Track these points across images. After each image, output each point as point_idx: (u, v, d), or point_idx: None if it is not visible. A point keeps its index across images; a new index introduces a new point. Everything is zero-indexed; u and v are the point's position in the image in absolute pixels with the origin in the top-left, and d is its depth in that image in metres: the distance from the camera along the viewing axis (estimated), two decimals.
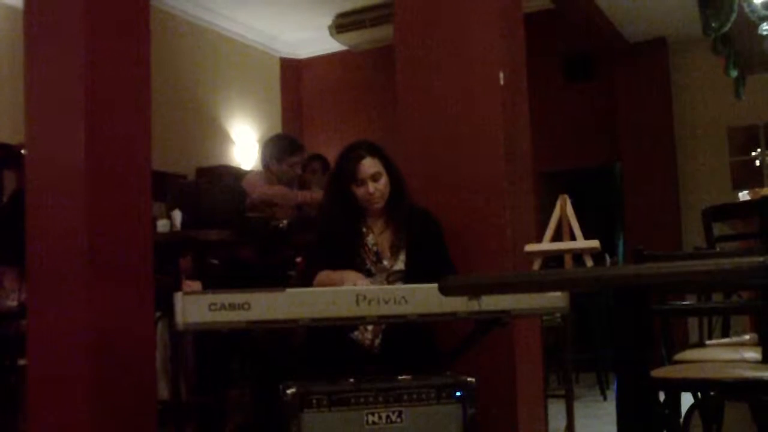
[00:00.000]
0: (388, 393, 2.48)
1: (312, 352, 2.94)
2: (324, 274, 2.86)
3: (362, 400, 2.46)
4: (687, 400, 2.57)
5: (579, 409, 4.13)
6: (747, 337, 2.94)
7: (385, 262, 2.96)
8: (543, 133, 5.08)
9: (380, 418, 2.46)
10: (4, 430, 3.75)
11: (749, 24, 5.30)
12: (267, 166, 4.47)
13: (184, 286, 3.53)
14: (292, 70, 8.86)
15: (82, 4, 3.01)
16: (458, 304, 2.47)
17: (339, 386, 2.47)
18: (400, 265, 2.97)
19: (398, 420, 2.47)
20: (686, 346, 3.11)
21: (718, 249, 3.41)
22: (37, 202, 3.06)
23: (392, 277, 2.94)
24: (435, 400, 2.50)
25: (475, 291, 2.09)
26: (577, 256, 3.46)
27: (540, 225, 3.61)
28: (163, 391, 3.87)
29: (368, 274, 2.92)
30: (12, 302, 3.94)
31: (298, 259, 4.01)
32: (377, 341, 2.86)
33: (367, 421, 2.45)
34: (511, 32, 3.48)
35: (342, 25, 7.83)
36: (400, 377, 2.54)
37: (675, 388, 2.33)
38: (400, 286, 2.69)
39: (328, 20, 7.84)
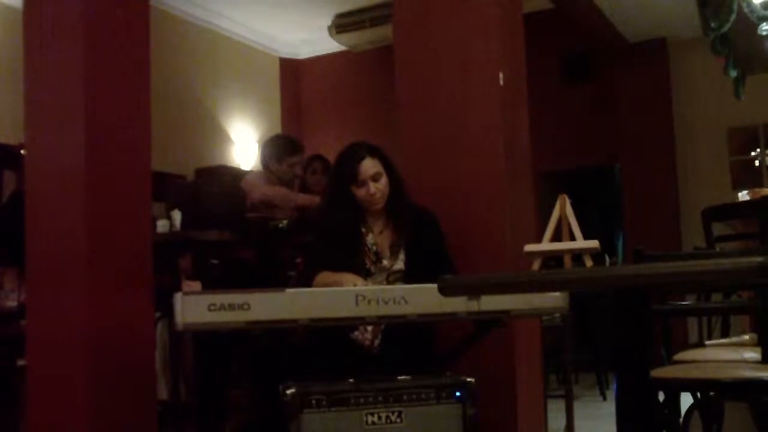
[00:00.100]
0: (387, 393, 2.48)
1: (312, 352, 2.94)
2: (323, 275, 2.86)
3: (362, 400, 2.46)
4: (687, 400, 2.57)
5: (579, 409, 4.12)
6: (746, 337, 2.94)
7: (385, 262, 2.96)
8: (542, 133, 5.07)
9: (380, 418, 2.46)
10: (4, 430, 3.75)
11: (749, 24, 5.30)
12: (266, 167, 4.48)
13: (184, 287, 3.53)
14: (292, 71, 8.86)
15: (82, 4, 3.01)
16: (458, 304, 2.47)
17: (339, 386, 2.47)
18: (399, 265, 2.97)
19: (398, 420, 2.47)
20: (686, 346, 3.11)
21: (717, 249, 3.41)
22: (36, 203, 3.05)
23: (392, 277, 2.95)
24: (435, 400, 2.50)
25: (474, 291, 2.09)
26: (577, 256, 3.46)
27: (539, 225, 3.60)
28: (163, 392, 3.87)
29: (368, 273, 2.92)
30: (11, 302, 3.94)
31: (299, 260, 4.01)
32: (377, 341, 2.86)
33: (367, 422, 2.45)
34: (511, 32, 3.48)
35: (341, 25, 7.82)
36: (399, 377, 2.54)
37: (675, 388, 2.33)
38: (400, 286, 2.69)
39: (328, 20, 7.84)
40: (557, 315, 3.62)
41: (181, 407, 3.87)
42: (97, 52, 3.03)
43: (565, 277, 1.44)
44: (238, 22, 8.03)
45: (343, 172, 3.00)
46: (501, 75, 3.31)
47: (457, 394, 2.51)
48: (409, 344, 2.81)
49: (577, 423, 3.54)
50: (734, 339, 2.99)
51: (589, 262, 3.42)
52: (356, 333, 2.87)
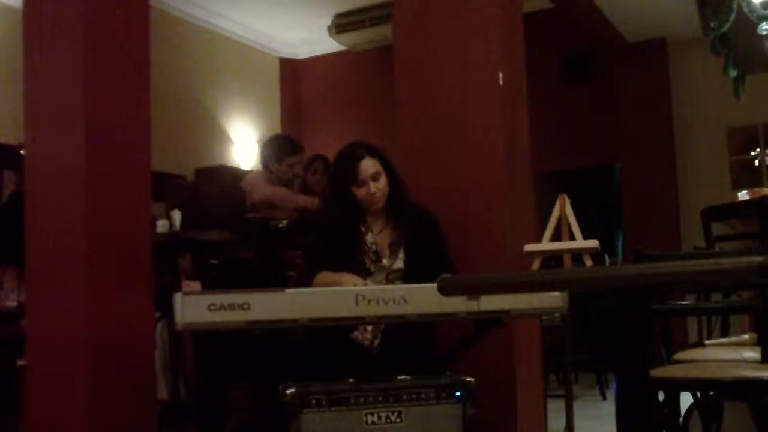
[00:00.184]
0: (387, 393, 2.48)
1: (312, 352, 2.94)
2: (323, 275, 2.86)
3: (362, 400, 2.46)
4: (686, 399, 2.58)
5: (578, 409, 4.12)
6: (746, 336, 2.94)
7: (385, 261, 2.97)
8: (542, 133, 5.07)
9: (380, 418, 2.46)
10: (4, 431, 3.75)
11: (748, 24, 5.30)
12: (266, 166, 4.48)
13: (184, 287, 3.53)
14: (292, 70, 8.86)
15: (82, 4, 3.01)
16: (457, 304, 2.47)
17: (338, 386, 2.47)
18: (399, 264, 2.97)
19: (398, 420, 2.47)
20: (685, 345, 3.11)
21: (717, 249, 3.41)
22: (36, 203, 3.05)
23: (391, 276, 2.95)
24: (434, 400, 2.50)
25: (474, 291, 2.09)
26: (577, 256, 3.46)
27: (539, 225, 3.61)
28: (163, 392, 3.88)
29: (367, 273, 2.92)
30: (11, 302, 3.94)
31: (299, 260, 4.01)
32: (377, 341, 2.86)
33: (367, 421, 2.45)
34: (511, 32, 3.48)
35: (341, 25, 7.82)
36: (399, 377, 2.54)
37: (674, 387, 2.33)
38: (400, 286, 2.69)
39: (328, 20, 7.84)
40: (557, 315, 3.62)
41: (181, 407, 3.87)
42: (97, 52, 3.03)
43: (565, 277, 1.44)
44: (238, 22, 8.03)
45: (342, 172, 3.00)
46: (501, 75, 3.31)
47: (457, 394, 2.51)
48: (409, 344, 2.81)
49: (577, 423, 3.54)
50: (734, 339, 2.99)
51: (588, 262, 3.42)
52: (356, 333, 2.87)
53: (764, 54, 6.02)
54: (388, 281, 2.93)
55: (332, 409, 2.44)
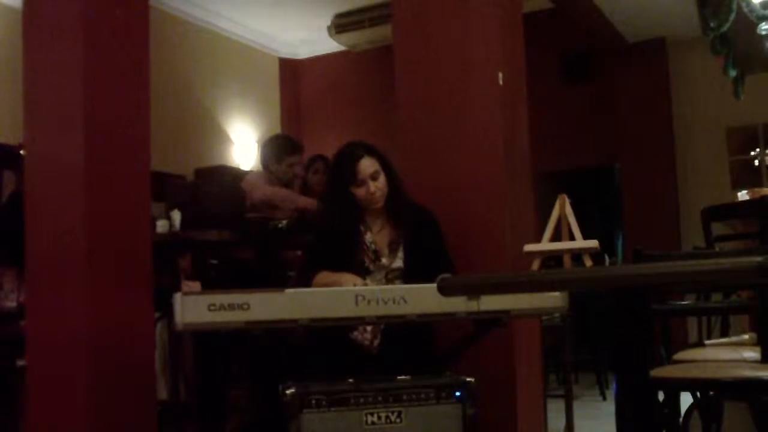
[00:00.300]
0: (387, 393, 2.48)
1: (311, 352, 2.94)
2: (322, 275, 2.86)
3: (362, 400, 2.46)
4: (686, 399, 2.58)
5: (578, 409, 4.12)
6: (746, 336, 2.94)
7: (384, 260, 2.97)
8: (542, 133, 5.07)
9: (380, 418, 2.46)
10: (4, 431, 3.75)
11: (748, 24, 5.30)
12: (266, 167, 4.48)
13: (184, 287, 3.53)
14: (291, 71, 8.86)
15: (82, 4, 3.01)
16: (457, 304, 2.47)
17: (338, 386, 2.47)
18: (398, 263, 2.97)
19: (398, 420, 2.47)
20: (685, 345, 3.11)
21: (717, 249, 3.41)
22: (36, 203, 3.05)
23: (391, 275, 2.95)
24: (434, 400, 2.50)
25: (474, 291, 2.09)
26: (576, 256, 3.46)
27: (539, 225, 3.61)
28: (163, 392, 3.87)
29: (367, 272, 2.93)
30: (11, 303, 3.94)
31: (299, 252, 4.00)
32: (376, 342, 2.86)
33: (367, 422, 2.45)
34: (510, 32, 3.48)
35: (341, 25, 7.82)
36: (399, 377, 2.54)
37: (674, 387, 2.33)
38: (399, 286, 2.69)
39: (327, 20, 7.84)
40: (557, 315, 3.62)
41: (181, 407, 3.87)
42: (96, 52, 3.03)
43: (565, 277, 1.44)
44: (238, 22, 8.03)
45: (341, 172, 3.00)
46: (500, 75, 3.31)
47: (457, 394, 2.51)
48: (409, 344, 2.81)
49: (577, 423, 3.54)
50: (734, 339, 2.99)
51: (588, 262, 3.42)
52: (356, 333, 2.87)
53: (764, 54, 6.02)
54: (388, 280, 2.93)
55: (332, 409, 2.44)
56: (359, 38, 7.89)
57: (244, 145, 8.09)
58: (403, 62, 3.53)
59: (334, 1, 7.58)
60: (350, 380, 2.51)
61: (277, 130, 8.23)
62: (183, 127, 7.28)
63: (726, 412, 2.85)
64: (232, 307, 2.32)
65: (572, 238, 3.33)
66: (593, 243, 3.30)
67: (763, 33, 5.34)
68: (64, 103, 3.02)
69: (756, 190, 4.52)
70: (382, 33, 7.30)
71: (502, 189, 3.28)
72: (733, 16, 5.05)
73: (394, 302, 2.46)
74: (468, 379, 2.54)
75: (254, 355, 3.83)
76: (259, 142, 7.76)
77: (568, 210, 3.35)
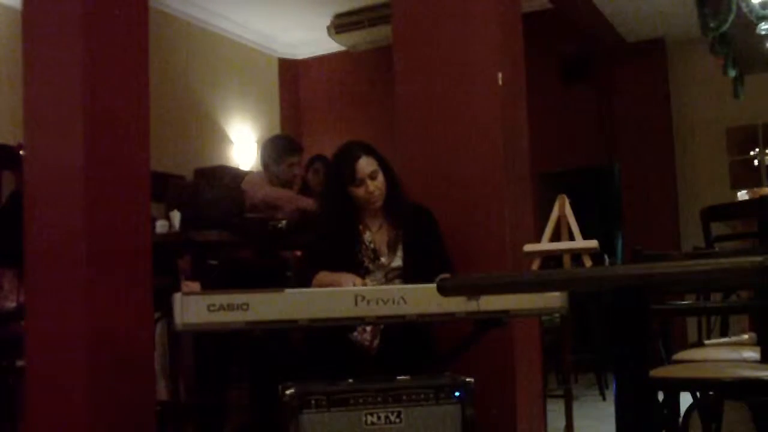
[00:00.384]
0: (387, 393, 2.48)
1: (311, 352, 2.94)
2: (322, 275, 2.87)
3: (361, 400, 2.46)
4: (686, 399, 2.57)
5: (578, 409, 4.12)
6: (746, 336, 2.94)
7: (383, 259, 2.97)
8: (541, 134, 5.07)
9: (379, 418, 2.46)
10: (4, 431, 3.75)
11: (748, 24, 5.30)
12: (266, 167, 4.47)
13: (183, 287, 3.52)
14: (291, 71, 8.86)
15: (82, 4, 3.01)
16: (457, 304, 2.47)
17: (338, 387, 2.47)
18: (398, 262, 2.98)
19: (397, 420, 2.47)
20: (685, 345, 3.11)
21: (716, 249, 3.41)
22: (35, 203, 3.05)
23: (390, 274, 2.96)
24: (434, 400, 2.50)
25: (473, 291, 2.09)
26: (576, 256, 3.46)
27: (538, 225, 3.61)
28: (162, 392, 3.87)
29: (366, 271, 2.93)
30: (10, 303, 3.93)
31: (299, 252, 4.00)
32: (376, 342, 2.86)
33: (366, 422, 2.45)
34: (510, 33, 3.48)
35: (340, 25, 7.82)
36: (398, 378, 2.54)
37: (674, 387, 2.33)
38: (399, 287, 2.69)
39: (327, 21, 7.84)
40: (556, 315, 3.62)
41: (181, 407, 3.87)
42: (96, 52, 3.03)
43: (565, 277, 1.44)
44: (237, 23, 8.03)
45: (340, 172, 3.00)
46: (500, 75, 3.31)
47: (457, 394, 2.51)
48: (408, 344, 2.81)
49: (577, 423, 3.54)
50: (733, 339, 2.99)
51: (588, 262, 3.42)
52: (355, 333, 2.87)
53: (763, 54, 6.02)
54: (387, 280, 2.94)
55: (331, 409, 2.44)
56: (359, 38, 7.89)
57: (243, 145, 8.09)
58: (403, 62, 3.53)
59: (334, 2, 7.58)
60: (350, 380, 2.51)
61: (277, 130, 8.23)
62: (183, 127, 7.28)
63: (726, 412, 2.85)
64: (231, 307, 2.32)
65: (572, 238, 3.33)
66: (593, 243, 3.30)
67: (763, 33, 5.34)
68: (64, 103, 3.02)
69: (755, 190, 4.53)
70: (382, 33, 7.30)
71: (502, 189, 3.28)
72: (732, 16, 5.05)
73: (393, 302, 2.46)
74: (467, 379, 2.54)
75: (254, 356, 3.83)
76: (259, 143, 7.76)
77: (568, 210, 3.35)
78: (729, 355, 2.57)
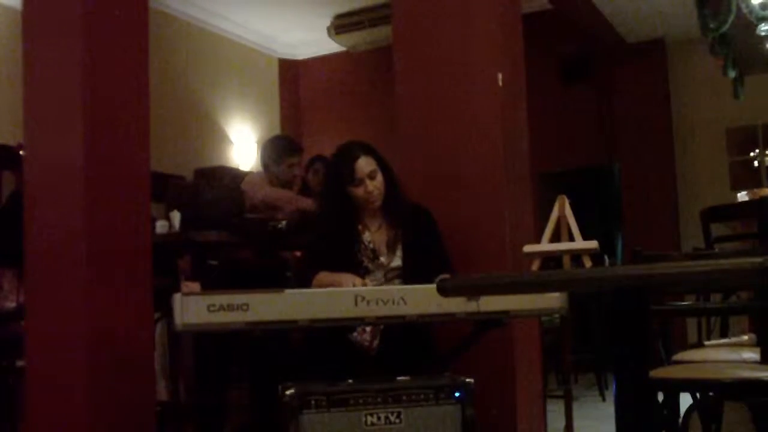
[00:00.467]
0: (386, 394, 2.48)
1: (311, 353, 2.94)
2: (322, 275, 2.87)
3: (361, 401, 2.46)
4: (686, 400, 2.57)
5: (578, 409, 4.12)
6: (745, 337, 2.94)
7: (382, 259, 2.98)
8: (541, 134, 5.07)
9: (379, 418, 2.46)
10: (4, 431, 3.75)
11: (747, 24, 5.30)
12: (266, 167, 4.48)
13: (183, 287, 3.52)
14: (291, 71, 8.86)
15: (81, 4, 3.01)
16: (457, 304, 2.47)
17: (338, 387, 2.47)
18: (397, 262, 2.98)
19: (397, 421, 2.47)
20: (685, 346, 3.11)
21: (716, 249, 3.41)
22: (35, 203, 3.05)
23: (390, 274, 2.96)
24: (434, 400, 2.50)
25: (473, 292, 2.09)
26: (576, 256, 3.46)
27: (538, 225, 3.61)
28: (162, 392, 3.87)
29: (366, 271, 2.93)
30: (10, 303, 3.93)
31: (299, 253, 4.00)
32: (376, 342, 2.86)
33: (366, 422, 2.45)
34: (510, 33, 3.49)
35: (341, 26, 7.82)
36: (398, 378, 2.54)
37: (674, 388, 2.33)
38: (399, 287, 2.69)
39: (327, 21, 7.84)
40: (556, 315, 3.62)
41: (181, 407, 3.87)
42: (96, 52, 3.03)
43: (565, 278, 1.44)
44: (237, 23, 8.03)
45: (339, 172, 3.01)
46: (499, 76, 3.31)
47: (456, 394, 2.51)
48: (408, 345, 2.81)
49: (577, 423, 3.54)
50: (733, 339, 2.99)
51: (588, 263, 3.42)
52: (355, 334, 2.87)
53: (763, 54, 6.02)
54: (387, 279, 2.94)
55: (331, 410, 2.44)
56: (359, 39, 7.89)
57: (243, 145, 8.09)
58: (403, 62, 3.53)
59: (334, 2, 7.58)
60: (350, 381, 2.51)
61: (277, 130, 8.23)
62: (183, 128, 7.28)
63: (725, 413, 2.85)
64: (231, 307, 2.32)
65: (572, 238, 3.33)
66: (593, 244, 3.30)
67: (763, 34, 5.34)
68: (64, 103, 3.02)
69: (755, 190, 4.53)
70: (382, 33, 7.30)
71: (502, 189, 3.28)
72: (732, 16, 5.05)
73: (393, 303, 2.46)
74: (467, 380, 2.54)
75: (254, 356, 3.83)
76: (259, 143, 7.76)
77: (568, 211, 3.35)
78: (729, 356, 2.57)
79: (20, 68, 3.14)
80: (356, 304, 2.43)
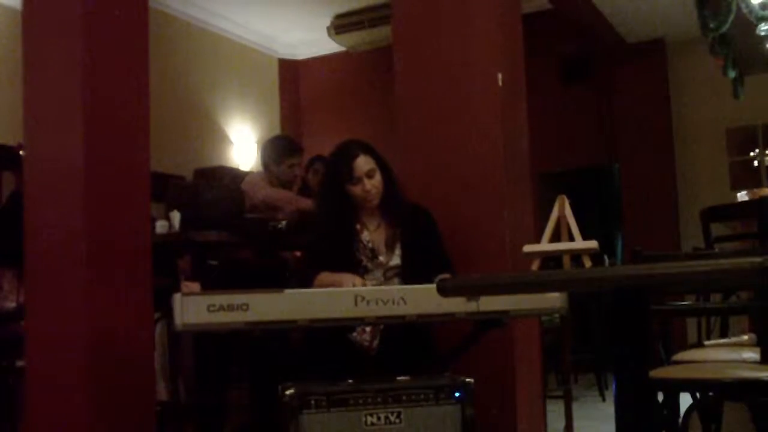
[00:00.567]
0: (386, 394, 2.48)
1: (310, 353, 2.94)
2: (323, 276, 2.87)
3: (361, 401, 2.46)
4: (686, 400, 2.58)
5: (578, 409, 4.12)
6: (745, 337, 2.94)
7: (381, 258, 2.98)
8: (541, 134, 5.07)
9: (379, 418, 2.46)
10: (4, 431, 3.75)
11: (747, 24, 5.30)
12: (266, 167, 4.48)
13: (183, 287, 3.52)
14: (291, 71, 8.86)
15: (81, 4, 3.01)
16: (457, 304, 2.47)
17: (338, 387, 2.47)
18: (396, 261, 2.98)
19: (397, 421, 2.47)
20: (685, 346, 3.11)
21: (716, 249, 3.41)
22: (35, 203, 3.05)
23: (389, 273, 2.96)
24: (434, 400, 2.50)
25: (473, 292, 2.09)
26: (576, 256, 3.46)
27: (538, 225, 3.61)
28: (162, 392, 3.87)
29: (365, 270, 2.94)
30: (10, 303, 3.93)
31: (299, 253, 4.00)
32: (375, 342, 2.86)
33: (366, 422, 2.45)
34: (510, 33, 3.49)
35: (340, 26, 7.82)
36: (398, 378, 2.54)
37: (674, 388, 2.33)
38: (399, 287, 2.69)
39: (327, 21, 7.84)
40: (556, 315, 3.62)
41: (181, 408, 3.87)
42: (96, 52, 3.03)
43: (565, 278, 1.44)
44: (237, 23, 8.03)
45: (338, 171, 3.01)
46: (499, 76, 3.31)
47: (456, 394, 2.51)
48: (408, 345, 2.81)
49: (577, 423, 3.54)
50: (733, 339, 3.00)
51: (588, 263, 3.42)
52: (355, 334, 2.87)
53: (763, 54, 6.02)
54: (386, 278, 2.94)
55: (331, 410, 2.44)
56: (359, 39, 7.89)
57: (243, 145, 8.09)
58: (403, 62, 3.54)
59: (334, 2, 7.58)
60: (349, 381, 2.51)
61: (277, 130, 8.23)
62: (183, 128, 7.28)
63: (725, 413, 2.85)
64: (231, 307, 2.32)
65: (572, 238, 3.33)
66: (592, 244, 3.30)
67: (763, 34, 5.34)
68: (64, 103, 3.02)
69: (755, 190, 4.53)
70: (381, 33, 7.30)
71: (502, 189, 3.28)
72: (732, 16, 5.05)
73: (393, 303, 2.46)
74: (467, 380, 2.54)
75: (254, 356, 3.83)
76: (259, 143, 7.76)
77: (568, 211, 3.35)
78: (729, 356, 2.57)
79: (20, 68, 3.14)
80: (356, 304, 2.43)
